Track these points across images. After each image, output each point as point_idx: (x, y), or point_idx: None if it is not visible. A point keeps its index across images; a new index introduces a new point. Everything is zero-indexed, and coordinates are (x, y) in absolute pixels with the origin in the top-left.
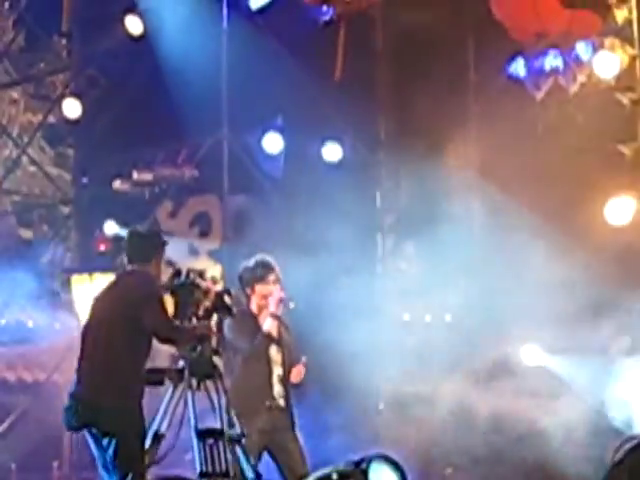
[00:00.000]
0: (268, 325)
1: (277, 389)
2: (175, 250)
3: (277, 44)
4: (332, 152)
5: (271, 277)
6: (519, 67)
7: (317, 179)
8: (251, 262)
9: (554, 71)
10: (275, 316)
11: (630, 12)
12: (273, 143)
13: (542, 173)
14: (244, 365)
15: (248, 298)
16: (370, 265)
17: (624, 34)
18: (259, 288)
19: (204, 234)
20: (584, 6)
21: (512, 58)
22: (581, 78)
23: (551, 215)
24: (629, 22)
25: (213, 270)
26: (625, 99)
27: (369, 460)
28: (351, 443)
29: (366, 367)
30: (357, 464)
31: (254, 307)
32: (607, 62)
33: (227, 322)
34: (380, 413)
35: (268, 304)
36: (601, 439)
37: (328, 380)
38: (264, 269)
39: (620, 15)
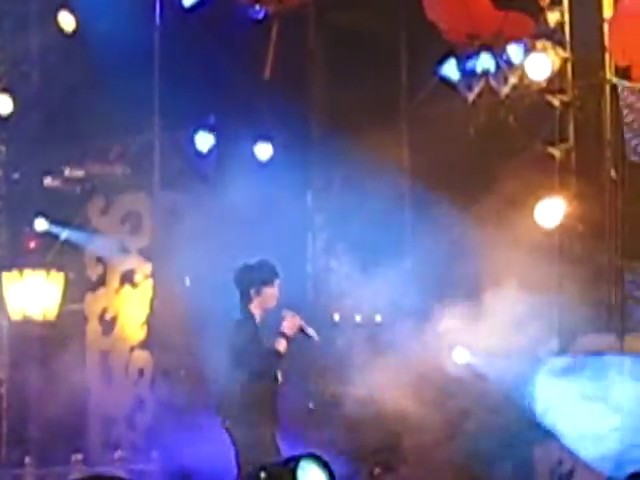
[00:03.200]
0: (280, 344)
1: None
2: (106, 248)
3: (210, 42)
4: (263, 151)
5: (277, 281)
6: (451, 68)
7: (248, 178)
8: (255, 263)
9: (486, 73)
10: (285, 336)
11: (562, 15)
12: (204, 141)
13: (473, 175)
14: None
15: (250, 299)
16: (300, 264)
17: (556, 36)
18: (266, 291)
19: (135, 231)
20: (517, 8)
21: (444, 59)
22: (513, 80)
23: (482, 217)
24: (561, 25)
25: (144, 268)
26: (556, 101)
27: (297, 459)
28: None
29: (296, 367)
30: (286, 463)
31: (255, 309)
32: (539, 64)
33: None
34: (310, 413)
35: (269, 307)
36: (528, 439)
37: None
38: (272, 272)
39: (552, 18)
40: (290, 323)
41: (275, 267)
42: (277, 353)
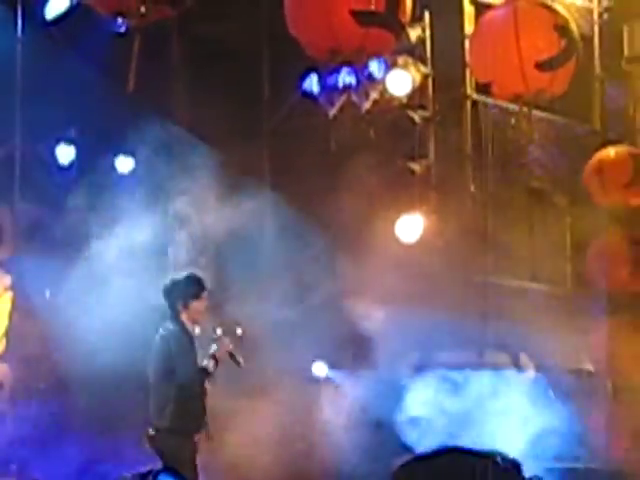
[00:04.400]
0: (208, 364)
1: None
2: None
3: (72, 55)
4: (124, 164)
5: (204, 294)
6: (313, 83)
7: (109, 190)
8: (182, 277)
9: (347, 88)
10: (215, 358)
11: (423, 31)
12: (65, 154)
13: (335, 190)
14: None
15: (177, 312)
16: (162, 279)
17: (417, 52)
18: (194, 305)
19: None
20: (378, 24)
21: (306, 74)
22: (374, 95)
23: (343, 232)
24: (422, 41)
25: (3, 280)
26: (417, 116)
27: (155, 473)
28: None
29: None
30: (143, 477)
31: (185, 320)
32: (400, 80)
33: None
34: None
35: (198, 319)
36: (390, 454)
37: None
38: (199, 286)
39: (413, 34)
40: (222, 347)
41: (202, 281)
42: (205, 371)
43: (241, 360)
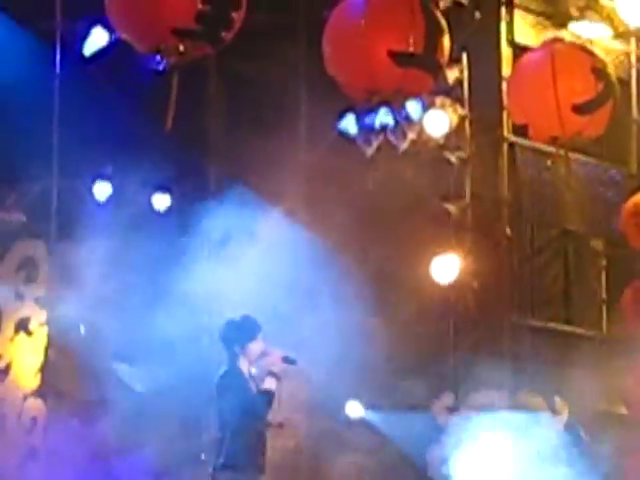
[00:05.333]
0: (268, 384)
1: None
2: (0, 295)
3: (110, 92)
4: (161, 201)
5: (259, 335)
6: (350, 123)
7: (145, 227)
8: (239, 320)
9: (384, 128)
10: (274, 376)
11: (461, 72)
12: (102, 191)
13: (371, 229)
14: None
15: (235, 355)
16: (202, 316)
17: (454, 93)
18: (250, 347)
19: (30, 279)
20: (416, 65)
21: (343, 114)
22: (411, 135)
23: (378, 271)
24: (460, 82)
25: (39, 316)
26: (453, 157)
27: None
28: None
29: None
30: None
31: (242, 364)
32: (437, 121)
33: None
34: None
35: (254, 359)
36: None
37: None
38: (255, 328)
39: (451, 75)
40: (274, 358)
41: (257, 322)
42: (270, 393)
43: (294, 357)
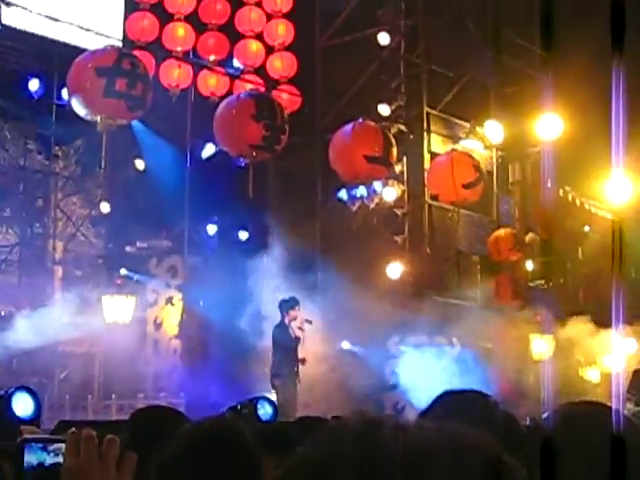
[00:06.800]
0: (298, 333)
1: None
2: (158, 284)
3: (216, 176)
4: (243, 235)
5: (297, 307)
6: (343, 194)
7: (234, 250)
8: (286, 298)
9: (362, 196)
10: (300, 329)
11: (402, 167)
12: (211, 229)
13: (353, 249)
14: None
15: (283, 316)
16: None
17: (399, 178)
18: (291, 313)
19: (174, 276)
20: (379, 163)
21: (340, 189)
22: (376, 200)
23: (357, 272)
24: (401, 172)
25: (178, 295)
26: (399, 212)
27: (257, 399)
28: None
29: None
30: (250, 401)
31: (286, 321)
32: (389, 192)
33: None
34: None
35: (295, 320)
36: (381, 391)
37: None
38: (294, 303)
39: (397, 168)
40: (301, 320)
41: (296, 299)
42: (298, 338)
43: (311, 320)
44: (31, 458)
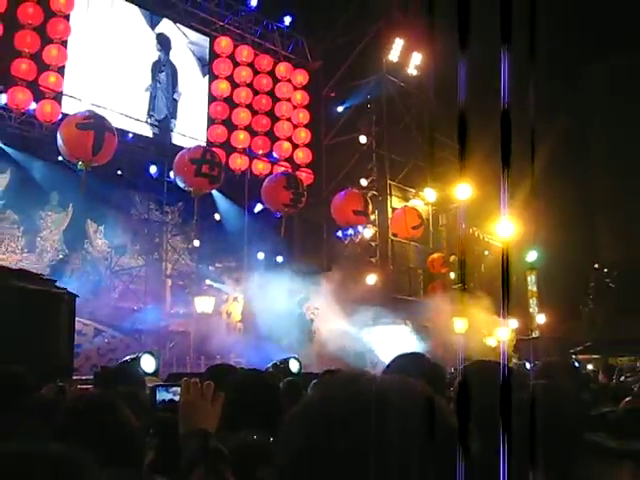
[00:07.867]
0: (311, 316)
1: None
2: (229, 290)
3: (262, 225)
4: (279, 258)
5: (309, 301)
6: (340, 233)
7: (275, 271)
8: (302, 295)
9: (351, 234)
10: (313, 314)
11: (375, 217)
12: (261, 256)
13: (345, 269)
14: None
15: (300, 307)
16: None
17: (374, 223)
18: (305, 305)
19: (236, 284)
20: (361, 215)
21: (337, 230)
22: (359, 236)
23: (352, 282)
24: (374, 220)
25: (240, 295)
26: (373, 244)
27: (287, 359)
28: None
29: None
30: (282, 361)
31: (303, 310)
32: (368, 232)
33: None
34: None
35: (308, 310)
36: (361, 353)
37: None
38: (307, 298)
39: (372, 217)
40: (312, 309)
41: (308, 297)
42: (312, 320)
43: (319, 308)
44: (160, 395)
